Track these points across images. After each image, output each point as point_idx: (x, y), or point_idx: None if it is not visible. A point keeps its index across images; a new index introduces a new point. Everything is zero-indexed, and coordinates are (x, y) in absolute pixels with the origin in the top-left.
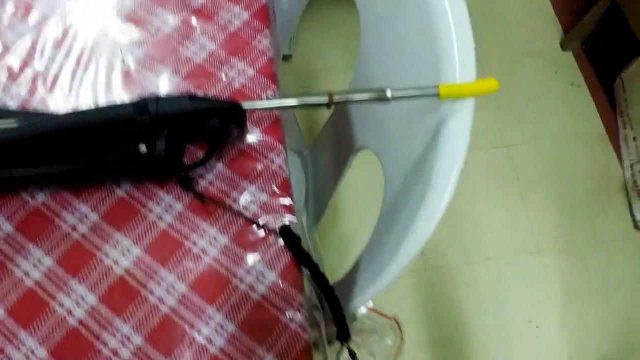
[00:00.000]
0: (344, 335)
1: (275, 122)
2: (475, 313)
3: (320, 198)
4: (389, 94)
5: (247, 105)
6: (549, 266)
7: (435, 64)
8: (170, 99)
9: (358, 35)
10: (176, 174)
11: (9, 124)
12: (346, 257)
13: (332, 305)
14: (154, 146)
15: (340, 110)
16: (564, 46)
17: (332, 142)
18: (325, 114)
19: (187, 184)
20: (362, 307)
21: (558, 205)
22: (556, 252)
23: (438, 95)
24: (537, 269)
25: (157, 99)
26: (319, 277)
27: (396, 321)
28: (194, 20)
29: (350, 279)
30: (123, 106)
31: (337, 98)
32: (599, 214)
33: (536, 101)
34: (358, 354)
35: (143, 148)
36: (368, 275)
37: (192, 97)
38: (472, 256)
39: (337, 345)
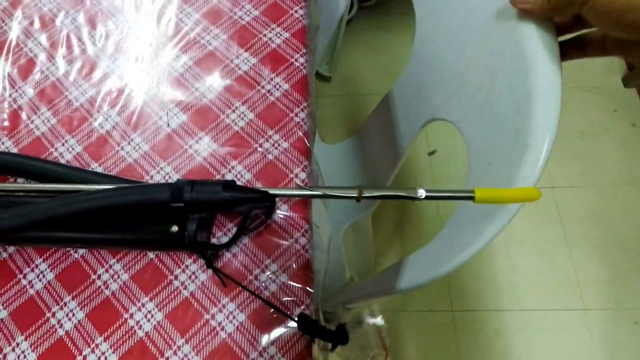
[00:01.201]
0: (343, 342)
1: (303, 200)
2: None
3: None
4: (420, 193)
5: (275, 192)
6: (593, 326)
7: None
8: (204, 186)
9: (399, 59)
10: (203, 254)
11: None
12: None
13: (341, 339)
14: (185, 227)
15: (405, 86)
16: (625, 82)
17: (387, 123)
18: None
19: (211, 264)
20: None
21: (608, 258)
22: (603, 311)
23: (473, 199)
24: (577, 328)
25: (192, 185)
26: (336, 340)
27: (381, 334)
28: (236, 88)
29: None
30: (160, 188)
31: (367, 194)
32: None
33: (590, 139)
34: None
35: (175, 228)
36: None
37: (225, 185)
38: (504, 303)
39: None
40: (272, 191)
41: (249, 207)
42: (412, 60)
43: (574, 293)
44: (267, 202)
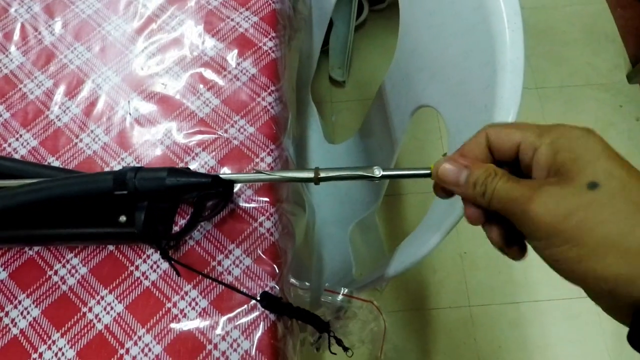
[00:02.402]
0: (321, 327)
1: (268, 184)
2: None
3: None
4: (377, 172)
5: (226, 177)
6: (601, 312)
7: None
8: (148, 172)
9: None
10: (156, 244)
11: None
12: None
13: (308, 319)
14: (133, 217)
15: (394, 74)
16: (630, 78)
17: (381, 115)
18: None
19: (166, 255)
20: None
21: None
22: None
23: (430, 175)
24: (588, 314)
25: (137, 171)
26: (308, 318)
27: (373, 303)
28: (201, 74)
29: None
30: (103, 177)
31: (323, 174)
32: None
33: None
34: (346, 342)
35: (122, 218)
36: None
37: (170, 171)
38: (519, 295)
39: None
40: (224, 176)
41: (201, 193)
42: (399, 48)
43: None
44: (219, 187)
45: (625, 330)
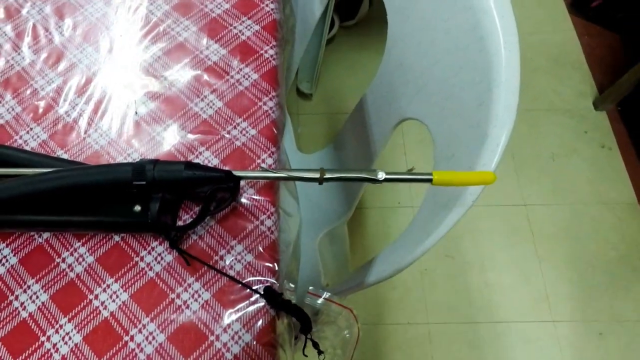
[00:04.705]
0: (306, 328)
1: (269, 184)
2: None
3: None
4: (380, 175)
5: (238, 173)
6: (561, 337)
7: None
8: (166, 165)
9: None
10: (166, 234)
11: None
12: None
13: (302, 318)
14: (148, 207)
15: (377, 88)
16: (596, 105)
17: (360, 128)
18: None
19: (175, 245)
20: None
21: (576, 273)
22: (571, 324)
23: (431, 181)
24: (548, 339)
25: (155, 164)
26: (302, 317)
27: (351, 311)
28: (205, 78)
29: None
30: (122, 168)
31: (328, 175)
32: (621, 289)
33: (561, 160)
34: (320, 346)
35: (137, 208)
36: (418, 236)
37: (187, 165)
38: (478, 315)
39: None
40: (236, 172)
41: (212, 187)
42: (384, 61)
43: (543, 306)
44: (231, 182)
45: (587, 355)
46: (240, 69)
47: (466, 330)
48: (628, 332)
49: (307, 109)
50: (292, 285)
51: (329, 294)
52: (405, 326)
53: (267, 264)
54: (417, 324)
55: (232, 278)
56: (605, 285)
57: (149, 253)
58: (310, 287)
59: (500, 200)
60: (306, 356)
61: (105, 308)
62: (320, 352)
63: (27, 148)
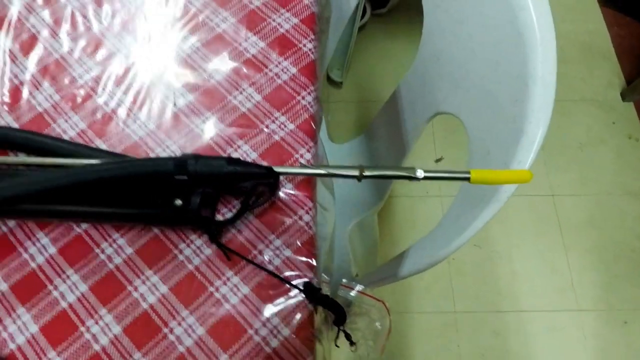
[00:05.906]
0: (341, 320)
1: (307, 179)
2: None
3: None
4: (419, 174)
5: (279, 169)
6: (586, 326)
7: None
8: (208, 160)
9: (408, 68)
10: (207, 228)
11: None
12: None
13: (337, 312)
14: (189, 201)
15: (412, 80)
16: (624, 96)
17: (393, 120)
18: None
19: (215, 239)
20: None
21: (602, 262)
22: (596, 313)
23: (469, 179)
24: (572, 328)
25: (197, 159)
26: (337, 311)
27: (384, 304)
28: (244, 70)
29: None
30: (164, 162)
31: (367, 173)
32: None
33: (588, 150)
34: (353, 337)
35: (178, 202)
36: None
37: (229, 160)
38: (504, 304)
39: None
40: (276, 168)
41: (253, 183)
42: (420, 54)
43: (569, 295)
44: (271, 178)
45: (609, 348)
46: (279, 62)
47: (492, 318)
48: None
49: (337, 97)
50: (327, 278)
51: (362, 286)
52: (432, 314)
53: (305, 258)
54: (444, 312)
55: (273, 274)
56: (631, 275)
57: (188, 246)
58: (344, 280)
59: (529, 191)
60: (338, 347)
61: (144, 300)
62: (352, 343)
63: (66, 137)
